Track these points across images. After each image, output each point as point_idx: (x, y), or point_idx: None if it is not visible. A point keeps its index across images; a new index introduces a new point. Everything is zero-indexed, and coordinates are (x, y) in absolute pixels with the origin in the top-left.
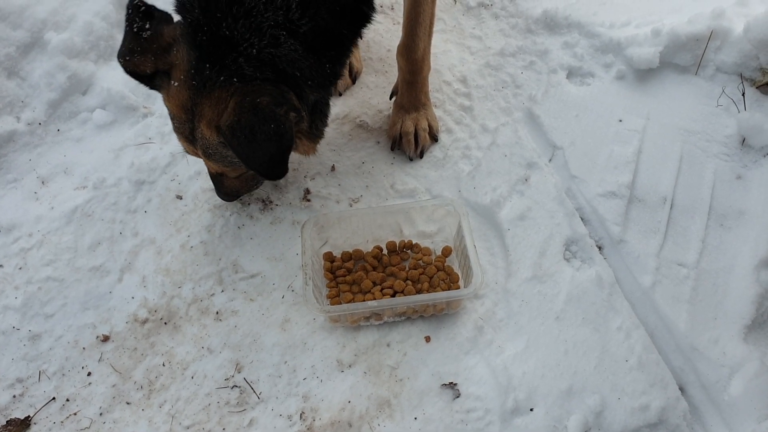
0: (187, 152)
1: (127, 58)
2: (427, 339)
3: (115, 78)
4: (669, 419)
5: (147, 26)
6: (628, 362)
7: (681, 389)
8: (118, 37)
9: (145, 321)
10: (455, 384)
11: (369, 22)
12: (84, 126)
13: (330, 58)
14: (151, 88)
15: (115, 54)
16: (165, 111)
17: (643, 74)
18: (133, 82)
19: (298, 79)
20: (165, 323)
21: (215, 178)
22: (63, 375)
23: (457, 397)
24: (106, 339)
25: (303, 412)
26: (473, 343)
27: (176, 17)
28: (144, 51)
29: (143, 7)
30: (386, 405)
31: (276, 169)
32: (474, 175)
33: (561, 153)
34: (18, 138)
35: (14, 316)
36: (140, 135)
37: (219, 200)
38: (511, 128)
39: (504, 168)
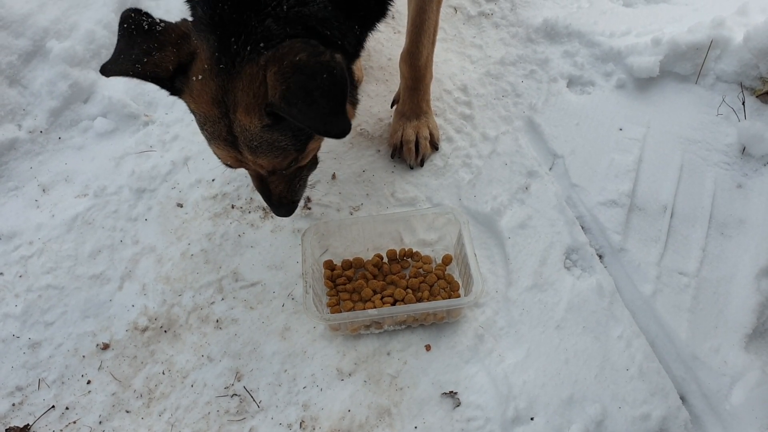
0: (227, 163)
1: (145, 59)
2: (428, 347)
3: (116, 86)
4: (670, 428)
5: (158, 20)
6: (628, 371)
7: (682, 398)
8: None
9: (145, 329)
10: (455, 393)
11: None
12: (85, 134)
13: (359, 19)
14: (172, 92)
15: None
16: (166, 119)
17: (644, 83)
18: (134, 91)
19: (328, 38)
20: (165, 331)
21: (264, 185)
22: (63, 383)
23: (458, 406)
24: (106, 347)
25: (303, 421)
26: (474, 351)
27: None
28: (162, 46)
29: (142, 12)
30: (386, 414)
31: (338, 122)
32: (474, 184)
33: (561, 161)
34: (19, 146)
35: (14, 323)
36: (141, 143)
37: (219, 208)
38: (512, 137)
39: (504, 176)
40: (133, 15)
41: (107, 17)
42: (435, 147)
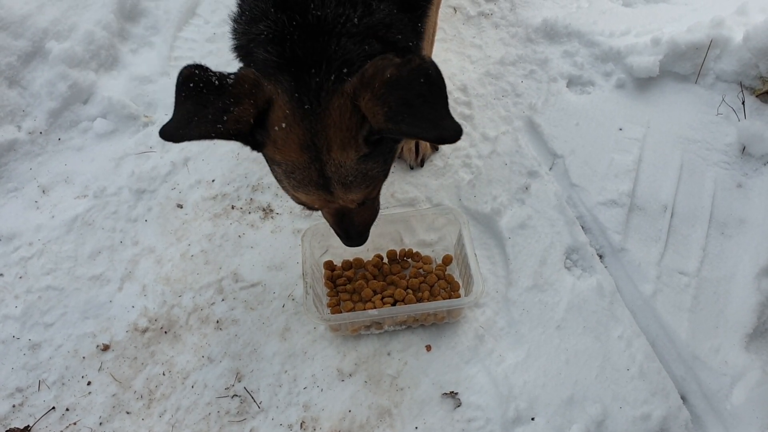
0: (314, 206)
1: (225, 117)
2: (428, 348)
3: (115, 87)
4: (671, 428)
5: (226, 73)
6: (629, 371)
7: (683, 398)
8: (119, 46)
9: (145, 330)
10: (456, 393)
11: None
12: (85, 135)
13: (417, 16)
14: (254, 148)
15: (118, 65)
16: (165, 120)
17: (643, 83)
18: (134, 91)
19: (399, 42)
20: (165, 332)
21: (346, 220)
22: (63, 384)
23: (458, 406)
24: (106, 348)
25: (303, 422)
26: (474, 352)
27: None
28: (238, 99)
29: (204, 67)
30: (387, 414)
31: (448, 125)
32: (474, 184)
33: (561, 161)
34: (19, 147)
35: (14, 325)
36: (141, 144)
37: (219, 209)
38: (512, 137)
39: (504, 176)
40: (197, 72)
41: (106, 18)
42: (435, 147)
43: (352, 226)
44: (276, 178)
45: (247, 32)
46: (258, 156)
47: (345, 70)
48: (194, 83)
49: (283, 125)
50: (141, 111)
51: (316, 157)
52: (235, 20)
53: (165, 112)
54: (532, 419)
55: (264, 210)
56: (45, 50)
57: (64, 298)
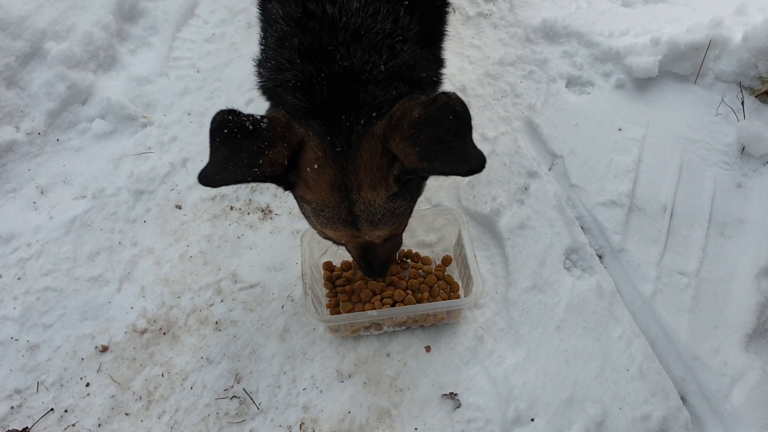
0: (341, 242)
1: (260, 161)
2: (428, 349)
3: (114, 87)
4: (671, 429)
5: (259, 117)
6: (629, 372)
7: (682, 399)
8: (118, 47)
9: (144, 331)
10: (456, 394)
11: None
12: (83, 136)
13: (437, 49)
14: (286, 188)
15: (116, 65)
16: (164, 121)
17: (643, 83)
18: (132, 92)
19: (424, 80)
20: (164, 333)
21: (370, 253)
22: (61, 386)
23: (458, 407)
24: (104, 349)
25: (303, 423)
26: (473, 352)
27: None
28: (272, 143)
29: (237, 112)
30: (386, 415)
31: (476, 156)
32: (474, 185)
33: (561, 162)
34: (17, 148)
35: (12, 326)
36: (139, 144)
37: (218, 210)
38: (511, 137)
39: (504, 177)
40: (230, 117)
41: (105, 19)
42: None
43: (376, 259)
44: (304, 215)
45: (273, 78)
46: None
47: (374, 114)
48: (228, 129)
49: (316, 166)
50: (140, 112)
51: (345, 197)
52: (259, 64)
53: (163, 113)
54: (532, 420)
55: (263, 211)
56: (43, 51)
57: (62, 299)
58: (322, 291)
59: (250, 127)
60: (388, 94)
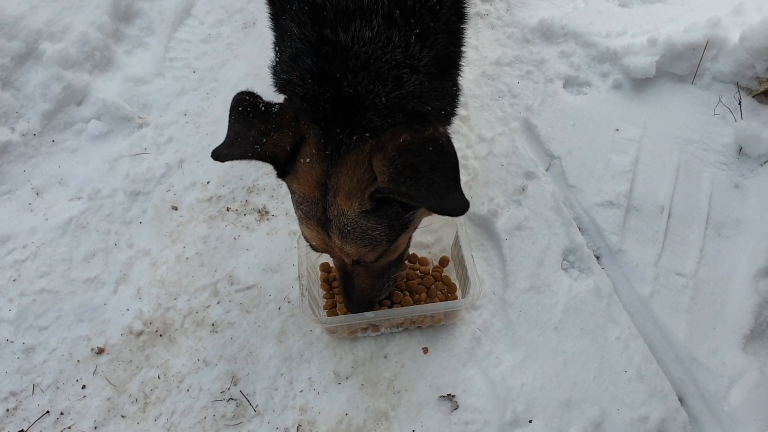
0: (314, 243)
1: (264, 140)
2: (425, 350)
3: (110, 88)
4: (669, 430)
5: (273, 103)
6: (627, 373)
7: (680, 400)
8: (114, 47)
9: (140, 333)
10: (453, 396)
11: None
12: (79, 137)
13: (452, 77)
14: (281, 175)
15: (112, 66)
16: (160, 121)
17: (640, 83)
18: (128, 93)
19: (429, 114)
20: (160, 335)
21: (347, 278)
22: (57, 388)
23: (456, 408)
24: (100, 351)
25: (300, 425)
26: (471, 354)
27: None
28: (279, 127)
29: (255, 94)
30: (384, 417)
31: (453, 198)
32: (471, 185)
33: (558, 162)
34: (12, 149)
35: (8, 328)
36: (135, 145)
37: (215, 211)
38: (508, 138)
39: (501, 178)
40: (247, 98)
41: (101, 19)
42: None
43: (353, 290)
44: (294, 205)
45: (286, 83)
46: None
47: (368, 135)
48: (243, 107)
49: (308, 160)
50: (135, 112)
51: (323, 197)
52: (274, 73)
53: (159, 114)
54: (530, 422)
55: (259, 212)
56: (39, 51)
57: (58, 301)
58: (319, 292)
59: (262, 108)
60: (385, 122)
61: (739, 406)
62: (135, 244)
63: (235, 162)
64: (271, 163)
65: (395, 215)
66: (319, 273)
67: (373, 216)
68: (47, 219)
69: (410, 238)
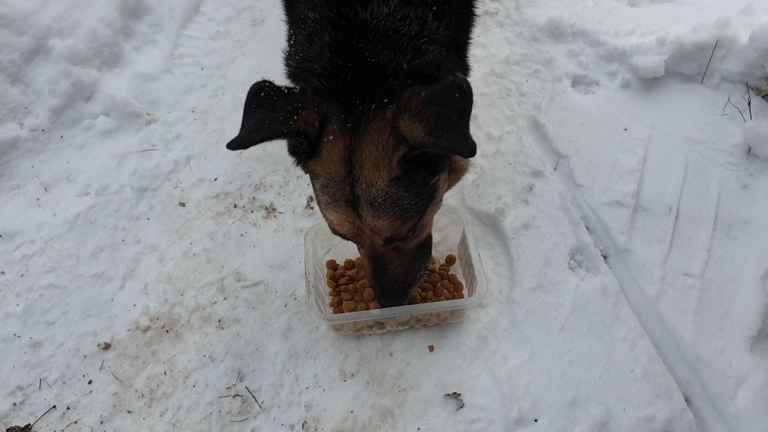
0: (343, 230)
1: (295, 116)
2: (431, 348)
3: (118, 85)
4: (675, 431)
5: (293, 85)
6: (633, 373)
7: (687, 400)
8: (123, 44)
9: (146, 329)
10: (459, 394)
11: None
12: (87, 133)
13: (464, 57)
14: (304, 156)
15: (121, 62)
16: (168, 118)
17: (649, 83)
18: (137, 89)
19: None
20: (167, 331)
21: (380, 266)
22: (64, 383)
23: (461, 407)
24: (107, 347)
25: (305, 422)
26: (477, 352)
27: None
28: (305, 105)
29: (272, 82)
30: (389, 415)
31: (470, 137)
32: (478, 184)
33: (566, 161)
34: (21, 144)
35: (15, 323)
36: (144, 142)
37: (222, 207)
38: (516, 136)
39: (508, 176)
40: (266, 84)
41: (110, 15)
42: None
43: (386, 278)
44: (316, 197)
45: (300, 66)
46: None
47: (386, 101)
48: (265, 92)
49: (331, 137)
50: (144, 109)
51: (350, 173)
52: (288, 57)
53: (167, 110)
54: (536, 421)
55: (267, 209)
56: (48, 47)
57: (65, 296)
58: (325, 289)
59: (285, 91)
60: (405, 85)
61: (745, 407)
62: (142, 240)
63: (244, 158)
64: (305, 139)
65: (422, 181)
66: (326, 270)
67: (403, 183)
68: (55, 214)
69: (432, 221)
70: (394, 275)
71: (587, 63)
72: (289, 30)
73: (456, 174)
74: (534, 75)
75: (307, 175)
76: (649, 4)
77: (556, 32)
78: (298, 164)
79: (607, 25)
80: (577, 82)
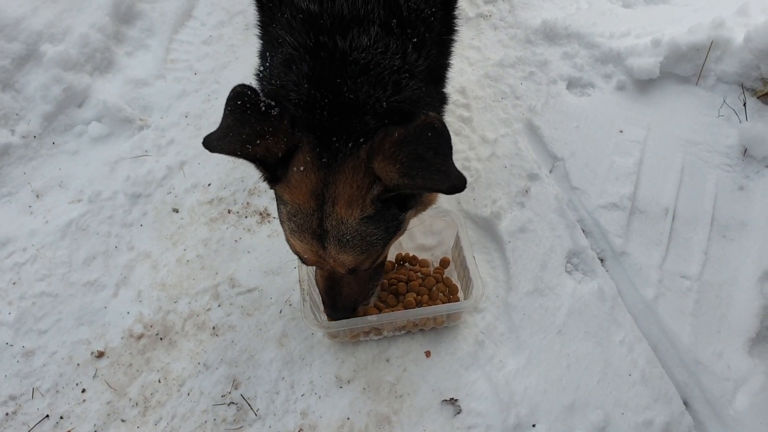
0: (305, 256)
1: (257, 141)
2: (428, 354)
3: (110, 90)
4: None
5: (273, 104)
6: (631, 376)
7: (685, 404)
8: (115, 49)
9: (140, 336)
10: (456, 400)
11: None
12: (79, 139)
13: (442, 87)
14: (271, 180)
15: (113, 68)
16: (161, 123)
17: (644, 84)
18: (129, 95)
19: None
20: (161, 339)
21: (335, 287)
22: (57, 392)
23: (458, 413)
24: (100, 355)
25: (301, 429)
26: (474, 357)
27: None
28: (275, 131)
29: (256, 90)
30: (386, 422)
31: (456, 175)
32: (474, 187)
33: (561, 164)
34: (12, 151)
35: (7, 332)
36: (136, 148)
37: (216, 213)
38: (511, 139)
39: (504, 179)
40: (248, 93)
41: (101, 20)
42: None
43: (340, 297)
44: (280, 219)
45: (278, 89)
46: None
47: (362, 140)
48: (242, 102)
49: (302, 168)
50: (136, 114)
51: (320, 207)
52: (261, 79)
53: (160, 116)
54: (533, 426)
55: (261, 214)
56: (39, 53)
57: (58, 304)
58: (320, 296)
59: (263, 108)
60: (381, 124)
61: (744, 410)
62: (135, 246)
63: (237, 164)
64: (260, 165)
65: (392, 217)
66: None
67: (373, 221)
68: (47, 222)
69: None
70: (348, 295)
71: (582, 65)
72: (264, 49)
73: (423, 206)
74: (529, 77)
75: None
76: (644, 6)
77: (550, 34)
78: (264, 180)
79: (602, 26)
80: (572, 84)
